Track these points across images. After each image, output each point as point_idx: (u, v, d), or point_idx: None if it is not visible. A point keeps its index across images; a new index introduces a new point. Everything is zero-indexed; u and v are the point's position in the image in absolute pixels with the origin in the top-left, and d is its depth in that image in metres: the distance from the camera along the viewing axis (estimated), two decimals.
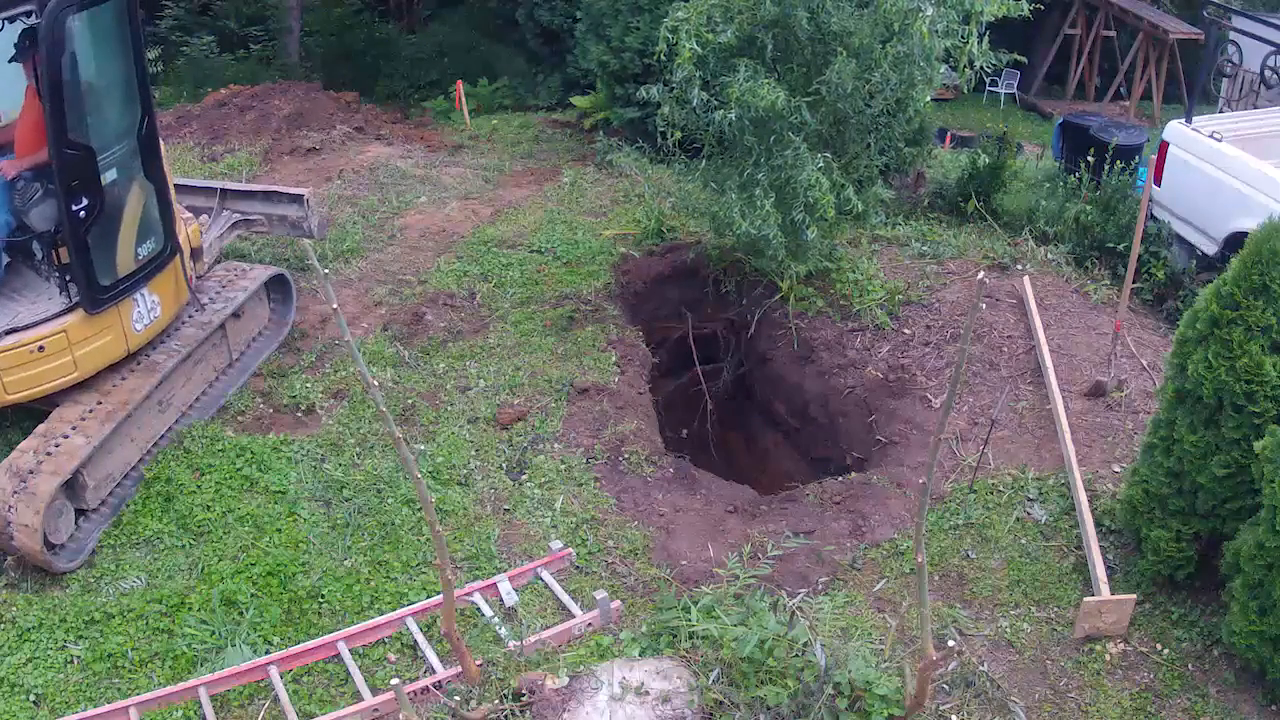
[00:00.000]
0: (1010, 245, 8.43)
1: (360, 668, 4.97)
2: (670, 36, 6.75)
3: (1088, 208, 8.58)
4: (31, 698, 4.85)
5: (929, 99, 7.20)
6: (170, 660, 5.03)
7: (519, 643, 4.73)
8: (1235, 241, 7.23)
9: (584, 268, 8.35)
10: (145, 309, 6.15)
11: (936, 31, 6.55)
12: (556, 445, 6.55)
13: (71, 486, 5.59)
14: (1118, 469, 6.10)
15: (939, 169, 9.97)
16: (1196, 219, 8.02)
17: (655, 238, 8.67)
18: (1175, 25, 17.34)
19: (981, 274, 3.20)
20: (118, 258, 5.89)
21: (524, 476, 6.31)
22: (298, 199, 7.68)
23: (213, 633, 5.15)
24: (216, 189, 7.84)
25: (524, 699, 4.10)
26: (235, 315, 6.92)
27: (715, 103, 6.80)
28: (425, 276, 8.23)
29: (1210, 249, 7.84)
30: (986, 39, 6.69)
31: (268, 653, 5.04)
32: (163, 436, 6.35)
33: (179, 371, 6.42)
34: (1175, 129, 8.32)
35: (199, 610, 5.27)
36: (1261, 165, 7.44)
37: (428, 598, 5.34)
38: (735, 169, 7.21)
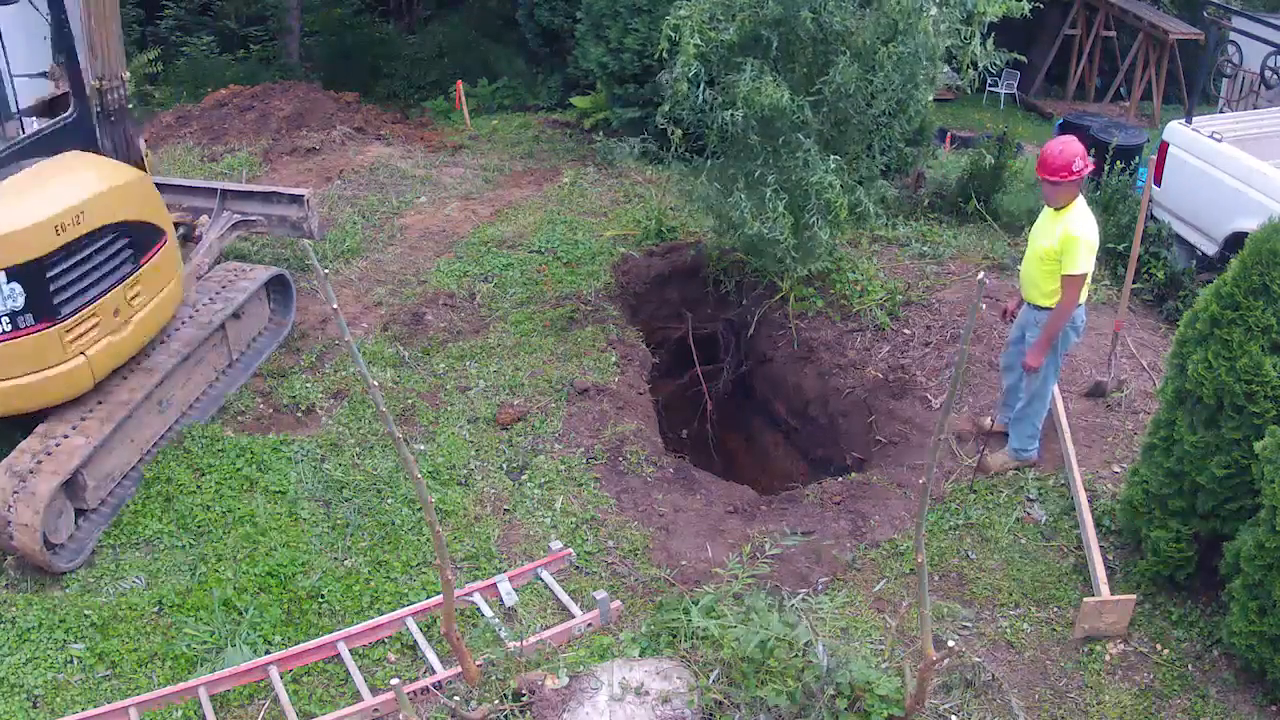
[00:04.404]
0: (1010, 245, 8.44)
1: (360, 668, 4.97)
2: (672, 35, 6.75)
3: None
4: (31, 698, 4.85)
5: (931, 99, 7.21)
6: (170, 660, 5.03)
7: (519, 643, 4.72)
8: (1235, 241, 7.24)
9: (584, 268, 8.35)
10: None
11: (941, 31, 6.56)
12: (556, 445, 6.55)
13: (71, 486, 5.59)
14: (1118, 469, 6.10)
15: (939, 169, 9.97)
16: (1196, 219, 8.02)
17: (655, 238, 8.68)
18: (1175, 25, 17.32)
19: (981, 274, 3.20)
20: None
21: (524, 476, 6.31)
22: (298, 199, 7.68)
23: (213, 633, 5.15)
24: (216, 189, 7.84)
25: (524, 699, 4.10)
26: (235, 315, 6.91)
27: (719, 100, 6.81)
28: (425, 276, 8.24)
29: (1210, 249, 7.84)
30: (990, 39, 6.69)
31: (268, 653, 5.04)
32: (162, 436, 6.35)
33: (179, 371, 6.42)
34: (1175, 129, 8.32)
35: (199, 610, 5.27)
36: (1261, 165, 7.44)
37: (428, 598, 5.34)
38: (741, 169, 7.21)
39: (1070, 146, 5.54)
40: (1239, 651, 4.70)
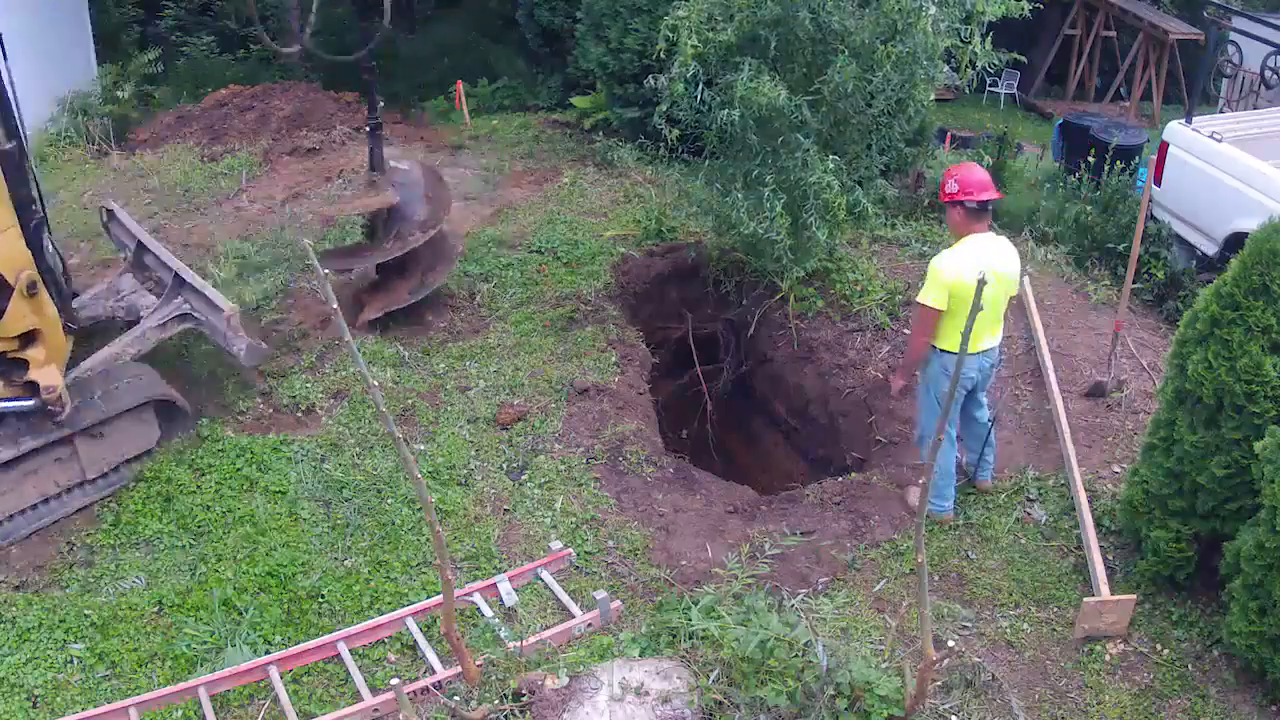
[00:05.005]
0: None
1: (360, 668, 4.97)
2: (670, 35, 6.75)
3: (1088, 208, 8.58)
4: (31, 698, 4.85)
5: (931, 98, 7.21)
6: (170, 660, 5.03)
7: (519, 643, 4.72)
8: (1235, 241, 7.24)
9: (584, 268, 8.35)
10: None
11: (940, 30, 6.56)
12: (556, 445, 6.55)
13: None
14: (1118, 469, 6.10)
15: (939, 169, 9.97)
16: (1196, 219, 8.02)
17: (655, 238, 8.67)
18: (1175, 25, 17.34)
19: (981, 273, 3.20)
20: None
21: (524, 476, 6.31)
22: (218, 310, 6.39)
23: (213, 633, 5.15)
24: (171, 270, 6.66)
25: (524, 699, 4.10)
26: (89, 432, 5.89)
27: (717, 100, 6.81)
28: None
29: (1210, 249, 7.84)
30: (989, 39, 6.70)
31: (268, 653, 5.04)
32: None
33: None
34: (1175, 129, 8.33)
35: (199, 610, 5.28)
36: (1261, 165, 7.44)
37: (428, 598, 5.34)
38: (739, 169, 7.22)
39: (954, 169, 5.35)
40: (1239, 651, 4.70)
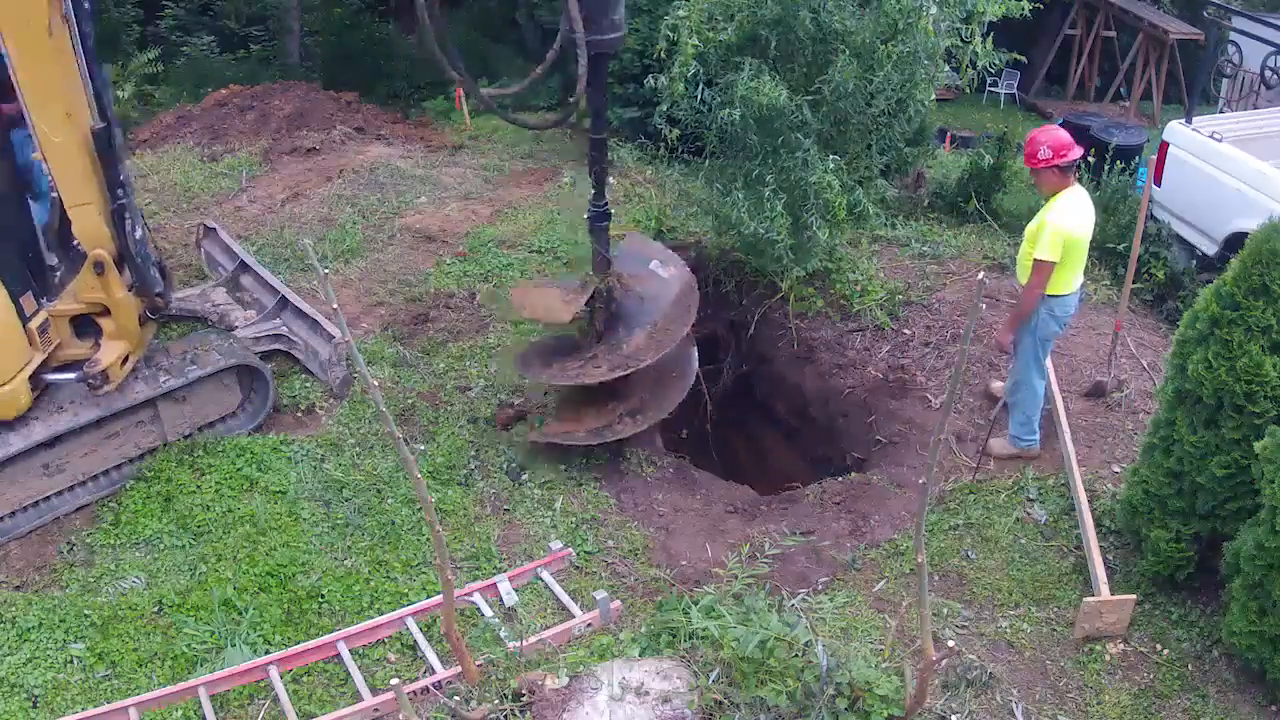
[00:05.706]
0: (1010, 245, 8.43)
1: (360, 668, 4.97)
2: (671, 35, 6.76)
3: None
4: (31, 698, 4.85)
5: (931, 98, 7.22)
6: (170, 660, 5.04)
7: (519, 643, 4.72)
8: (1235, 241, 7.24)
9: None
10: None
11: (940, 30, 6.57)
12: (556, 445, 6.55)
13: None
14: (1118, 469, 6.10)
15: (939, 169, 9.97)
16: (1196, 219, 8.02)
17: (655, 238, 8.67)
18: (1175, 25, 17.32)
19: (981, 274, 3.20)
20: None
21: (524, 476, 6.31)
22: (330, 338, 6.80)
23: (213, 633, 5.15)
24: (278, 293, 7.11)
25: (524, 699, 4.09)
26: (171, 396, 6.13)
27: (718, 100, 6.81)
28: (425, 276, 8.23)
29: (1210, 249, 7.84)
30: (989, 39, 6.70)
31: (268, 653, 5.04)
32: (46, 499, 5.86)
33: (78, 437, 5.84)
34: (1175, 129, 8.32)
35: (199, 610, 5.28)
36: (1261, 165, 7.44)
37: (428, 598, 5.34)
38: (740, 168, 7.22)
39: (1039, 135, 5.68)
40: (1239, 651, 4.70)
